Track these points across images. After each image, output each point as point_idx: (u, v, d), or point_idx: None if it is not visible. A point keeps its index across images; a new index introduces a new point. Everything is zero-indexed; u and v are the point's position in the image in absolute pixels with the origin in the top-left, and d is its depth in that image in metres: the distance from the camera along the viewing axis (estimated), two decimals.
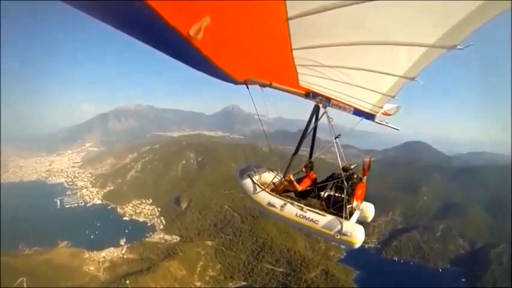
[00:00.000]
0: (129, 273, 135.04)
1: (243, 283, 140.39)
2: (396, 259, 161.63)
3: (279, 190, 12.08)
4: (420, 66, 6.24)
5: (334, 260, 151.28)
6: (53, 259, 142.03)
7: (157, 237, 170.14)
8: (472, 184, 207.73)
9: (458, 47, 4.82)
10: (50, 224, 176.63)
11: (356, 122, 11.21)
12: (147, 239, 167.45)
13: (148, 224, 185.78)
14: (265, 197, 11.42)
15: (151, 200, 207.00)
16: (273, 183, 12.36)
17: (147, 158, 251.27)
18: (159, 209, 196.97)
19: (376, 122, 11.05)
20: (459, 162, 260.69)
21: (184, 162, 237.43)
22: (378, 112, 10.58)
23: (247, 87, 8.67)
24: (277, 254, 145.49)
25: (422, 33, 5.07)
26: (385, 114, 10.74)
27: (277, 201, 11.07)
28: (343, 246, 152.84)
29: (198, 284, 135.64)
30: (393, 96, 8.55)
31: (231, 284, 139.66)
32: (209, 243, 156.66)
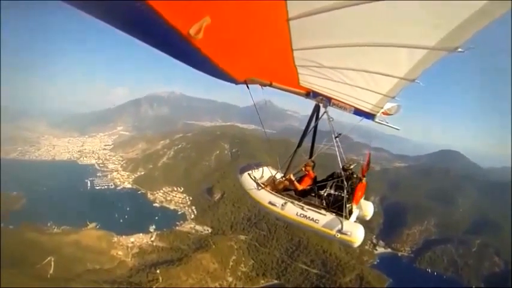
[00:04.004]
0: (159, 262, 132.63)
1: (275, 281, 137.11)
2: (429, 270, 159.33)
3: (279, 189, 12.12)
4: (421, 68, 6.18)
5: (367, 265, 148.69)
6: (81, 240, 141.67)
7: (188, 226, 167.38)
8: (507, 200, 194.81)
9: (459, 49, 4.78)
10: (79, 204, 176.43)
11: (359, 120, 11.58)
12: (177, 228, 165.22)
13: (179, 213, 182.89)
14: (266, 196, 11.43)
15: (182, 188, 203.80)
16: (274, 182, 12.48)
17: (179, 146, 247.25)
18: (191, 198, 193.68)
19: (377, 122, 11.04)
20: (494, 176, 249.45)
21: (218, 152, 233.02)
22: (378, 112, 10.54)
23: (248, 87, 8.58)
24: (312, 255, 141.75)
25: (423, 36, 5.03)
26: (386, 113, 10.74)
27: (278, 200, 11.07)
28: (376, 252, 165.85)
29: (230, 279, 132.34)
30: (393, 97, 8.52)
31: (262, 282, 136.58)
32: (242, 237, 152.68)
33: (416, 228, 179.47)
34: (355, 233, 9.77)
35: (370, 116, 10.82)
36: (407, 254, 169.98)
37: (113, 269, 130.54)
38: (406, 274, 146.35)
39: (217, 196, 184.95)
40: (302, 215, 10.39)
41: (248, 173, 12.22)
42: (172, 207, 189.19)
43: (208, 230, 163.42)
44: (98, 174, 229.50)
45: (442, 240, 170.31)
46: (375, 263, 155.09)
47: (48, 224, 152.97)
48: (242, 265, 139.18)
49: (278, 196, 11.24)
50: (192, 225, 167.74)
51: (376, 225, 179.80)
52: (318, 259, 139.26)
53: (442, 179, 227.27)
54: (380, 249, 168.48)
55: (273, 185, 12.20)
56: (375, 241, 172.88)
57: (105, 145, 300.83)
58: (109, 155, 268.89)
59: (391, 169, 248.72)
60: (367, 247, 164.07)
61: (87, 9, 3.34)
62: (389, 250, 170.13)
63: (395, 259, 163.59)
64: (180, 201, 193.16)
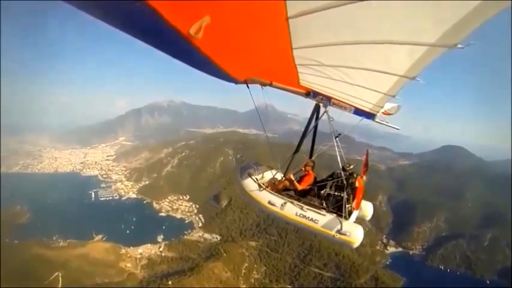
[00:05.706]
0: (170, 272, 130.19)
1: (289, 287, 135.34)
2: (442, 268, 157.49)
3: (279, 189, 12.13)
4: (421, 65, 6.19)
5: (380, 265, 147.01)
6: (89, 253, 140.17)
7: (197, 235, 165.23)
8: None
9: (459, 45, 4.79)
10: (84, 216, 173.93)
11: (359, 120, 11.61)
12: (185, 237, 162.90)
13: (186, 221, 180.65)
14: (265, 196, 11.45)
15: (188, 197, 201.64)
16: (273, 182, 12.55)
17: (183, 154, 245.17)
18: (197, 206, 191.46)
19: (377, 122, 11.12)
20: (499, 169, 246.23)
21: (222, 159, 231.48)
22: (378, 111, 10.57)
23: (248, 87, 8.47)
24: (325, 258, 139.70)
25: (423, 33, 5.05)
26: (386, 113, 10.83)
27: (278, 200, 11.14)
28: (387, 252, 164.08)
29: (244, 286, 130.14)
30: (394, 96, 8.50)
31: None
32: (253, 243, 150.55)
33: (426, 226, 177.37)
34: (354, 234, 9.91)
35: (370, 115, 10.92)
36: (418, 252, 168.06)
37: (122, 282, 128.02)
38: (419, 273, 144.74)
39: (224, 203, 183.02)
40: (301, 215, 10.52)
41: (247, 173, 12.26)
42: (179, 216, 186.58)
43: (217, 238, 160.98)
44: (101, 185, 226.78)
45: (452, 236, 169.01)
46: (387, 263, 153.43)
47: (54, 238, 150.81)
48: (255, 272, 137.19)
49: (278, 196, 11.32)
50: (201, 234, 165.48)
51: (386, 225, 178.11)
52: (331, 262, 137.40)
53: (447, 175, 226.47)
54: (391, 249, 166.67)
55: (272, 185, 12.22)
56: (385, 241, 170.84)
57: (108, 156, 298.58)
58: (112, 166, 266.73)
59: (396, 167, 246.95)
60: (378, 247, 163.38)
61: (87, 9, 3.38)
62: (400, 249, 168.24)
63: (407, 258, 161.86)
64: (186, 210, 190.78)
